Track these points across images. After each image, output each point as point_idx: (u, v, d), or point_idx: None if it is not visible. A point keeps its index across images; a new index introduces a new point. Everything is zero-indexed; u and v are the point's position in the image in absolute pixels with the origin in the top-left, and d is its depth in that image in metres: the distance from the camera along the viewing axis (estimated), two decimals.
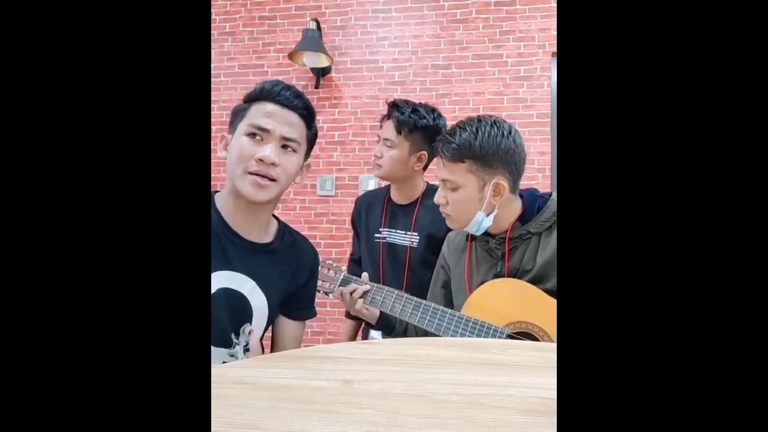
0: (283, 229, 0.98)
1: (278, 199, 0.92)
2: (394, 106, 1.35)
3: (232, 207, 0.89)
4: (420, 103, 1.37)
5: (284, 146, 0.87)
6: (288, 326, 0.99)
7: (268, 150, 0.84)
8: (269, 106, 0.87)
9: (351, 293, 1.10)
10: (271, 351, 1.02)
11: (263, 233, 0.93)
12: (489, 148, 0.98)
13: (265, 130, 0.85)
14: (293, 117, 0.88)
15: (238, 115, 0.90)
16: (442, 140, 1.02)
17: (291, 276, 0.96)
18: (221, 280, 0.87)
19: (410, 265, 1.37)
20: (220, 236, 0.88)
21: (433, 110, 1.36)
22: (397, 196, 1.42)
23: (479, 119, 1.01)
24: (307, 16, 2.45)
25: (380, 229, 1.41)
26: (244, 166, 0.84)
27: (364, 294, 1.10)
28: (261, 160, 0.84)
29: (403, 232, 1.38)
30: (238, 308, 0.89)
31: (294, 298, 0.98)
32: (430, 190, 1.44)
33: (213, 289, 0.86)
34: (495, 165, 0.99)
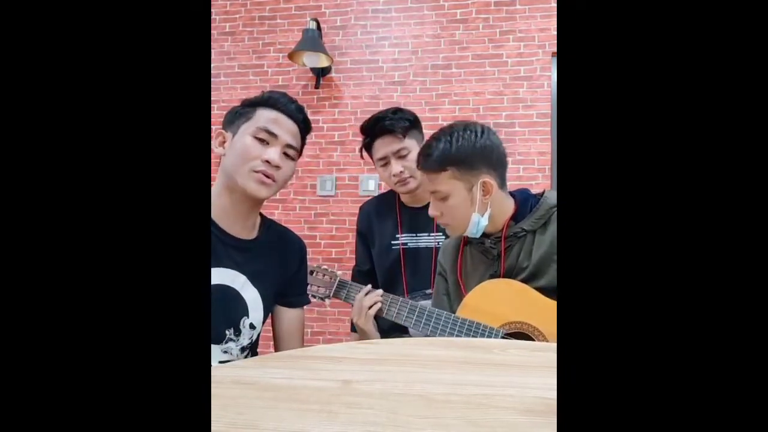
0: (268, 224, 1.02)
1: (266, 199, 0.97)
2: (373, 123, 1.31)
3: (223, 204, 0.93)
4: (381, 112, 1.35)
5: (285, 153, 0.93)
6: (288, 315, 1.03)
7: (274, 153, 0.91)
8: (274, 114, 0.93)
9: (370, 307, 1.09)
10: (274, 341, 1.04)
11: (250, 230, 0.98)
12: (466, 150, 0.99)
13: (273, 135, 0.92)
14: (294, 127, 0.96)
15: (239, 115, 0.95)
16: (421, 155, 1.04)
17: (281, 266, 1.00)
18: (214, 277, 0.89)
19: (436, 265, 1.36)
20: None
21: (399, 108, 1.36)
22: (412, 200, 1.40)
23: (451, 126, 1.03)
24: (307, 16, 2.44)
25: (397, 236, 1.38)
26: (250, 165, 0.90)
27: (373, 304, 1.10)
28: (267, 161, 0.90)
29: (426, 234, 1.37)
30: (232, 303, 0.92)
31: (288, 286, 1.02)
32: None
33: None
34: (476, 165, 1.00)
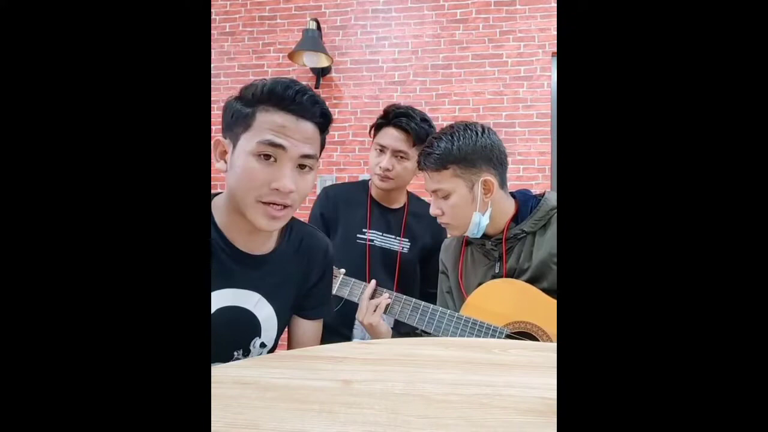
0: (290, 227, 0.88)
1: None
2: (402, 114, 1.28)
3: (234, 220, 0.80)
4: (415, 109, 1.32)
5: (300, 165, 0.75)
6: (303, 326, 0.93)
7: (285, 179, 0.72)
8: (280, 118, 0.72)
9: (377, 306, 1.09)
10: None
11: (267, 241, 0.85)
12: (467, 148, 1.01)
13: (281, 147, 0.72)
14: (309, 128, 0.75)
15: (237, 118, 0.75)
16: (423, 154, 1.05)
17: (301, 279, 0.89)
18: (224, 298, 0.80)
19: (400, 269, 1.35)
20: (219, 253, 0.80)
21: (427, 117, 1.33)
22: (384, 199, 1.38)
23: (452, 126, 1.05)
24: (307, 16, 2.45)
25: (364, 230, 1.35)
26: (255, 194, 0.73)
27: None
28: (277, 189, 0.72)
29: (393, 236, 1.36)
30: (243, 324, 0.83)
31: (307, 298, 0.91)
32: (413, 197, 1.44)
33: (216, 308, 0.80)
34: (478, 163, 1.01)
